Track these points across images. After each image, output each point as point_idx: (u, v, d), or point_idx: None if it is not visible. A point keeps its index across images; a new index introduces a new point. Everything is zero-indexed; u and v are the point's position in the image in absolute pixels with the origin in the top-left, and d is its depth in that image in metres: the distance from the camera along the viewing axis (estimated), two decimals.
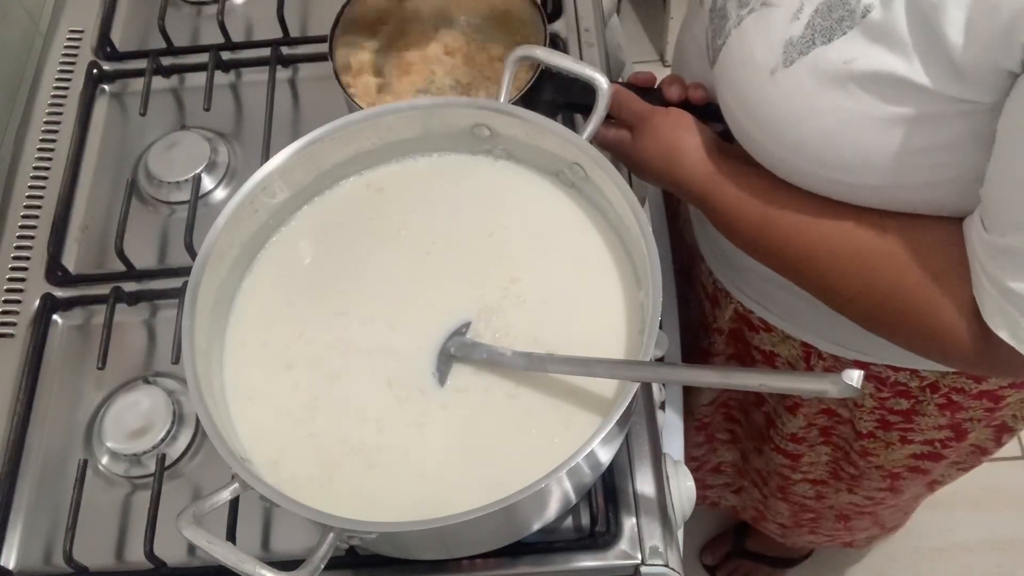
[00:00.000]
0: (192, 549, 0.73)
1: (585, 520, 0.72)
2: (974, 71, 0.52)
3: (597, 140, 0.66)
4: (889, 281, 0.62)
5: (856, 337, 0.68)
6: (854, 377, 0.47)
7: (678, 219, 1.04)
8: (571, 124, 0.87)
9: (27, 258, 0.87)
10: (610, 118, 0.75)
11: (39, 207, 0.90)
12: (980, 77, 0.53)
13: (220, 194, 0.90)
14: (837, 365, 0.86)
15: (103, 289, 0.83)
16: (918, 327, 0.62)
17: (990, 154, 0.55)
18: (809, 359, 0.89)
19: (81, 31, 1.00)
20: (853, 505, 1.16)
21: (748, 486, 1.28)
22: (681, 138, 0.72)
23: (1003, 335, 0.56)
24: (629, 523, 0.71)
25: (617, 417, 0.55)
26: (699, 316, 1.03)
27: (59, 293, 0.85)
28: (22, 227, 0.89)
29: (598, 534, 0.71)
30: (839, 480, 1.10)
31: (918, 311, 0.61)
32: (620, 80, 0.83)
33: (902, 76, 0.55)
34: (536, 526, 0.64)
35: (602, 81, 0.68)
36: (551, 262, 0.69)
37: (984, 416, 0.89)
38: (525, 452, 0.62)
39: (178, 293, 0.83)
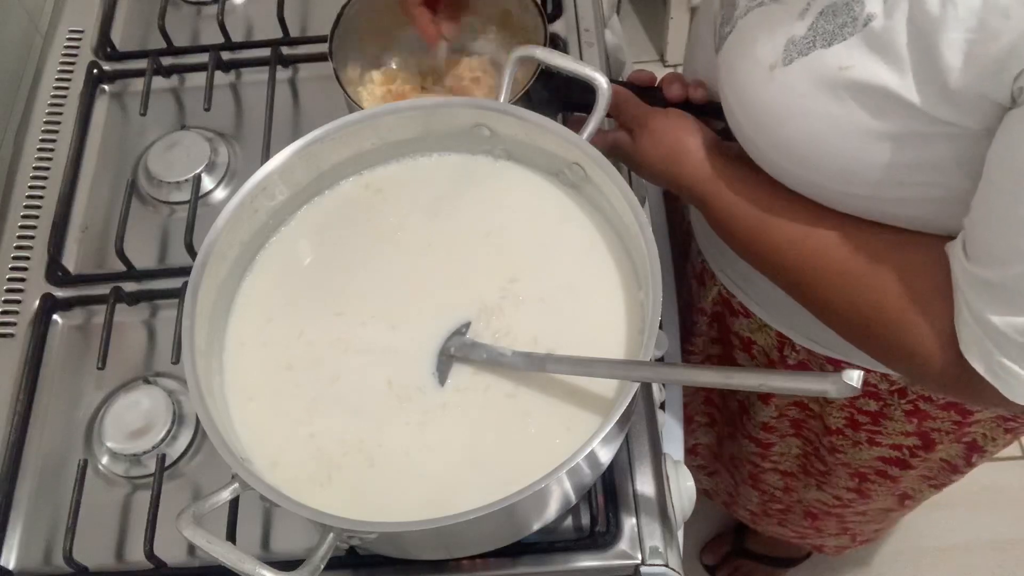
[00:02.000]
0: (192, 549, 0.73)
1: (585, 520, 0.72)
2: (964, 96, 0.52)
3: (596, 145, 0.67)
4: (872, 300, 0.62)
5: (830, 335, 0.69)
6: (854, 377, 0.47)
7: (679, 199, 1.04)
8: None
9: (27, 258, 0.87)
10: (608, 118, 0.75)
11: (39, 207, 0.90)
12: (969, 103, 0.53)
13: (220, 194, 0.90)
14: (810, 358, 0.87)
15: (103, 289, 0.83)
16: (896, 347, 0.62)
17: (974, 179, 0.55)
18: (783, 349, 0.89)
19: (81, 31, 1.00)
20: (821, 503, 1.16)
21: (721, 471, 1.28)
22: (681, 139, 0.72)
23: (977, 366, 0.56)
24: (629, 523, 0.71)
25: (617, 417, 0.55)
26: (688, 297, 1.03)
27: (59, 293, 0.85)
28: (22, 227, 0.89)
29: (598, 534, 0.71)
30: (808, 475, 1.10)
31: (897, 331, 0.61)
32: (620, 80, 0.83)
33: (893, 91, 0.55)
34: (536, 526, 0.64)
35: (602, 81, 0.68)
36: (551, 262, 0.69)
37: (953, 429, 0.89)
38: (525, 452, 0.62)
39: (178, 293, 0.83)
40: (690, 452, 1.29)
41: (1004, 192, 0.52)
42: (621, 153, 0.77)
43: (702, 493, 1.40)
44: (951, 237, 0.59)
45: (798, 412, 0.99)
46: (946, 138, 0.55)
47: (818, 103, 0.59)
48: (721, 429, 1.19)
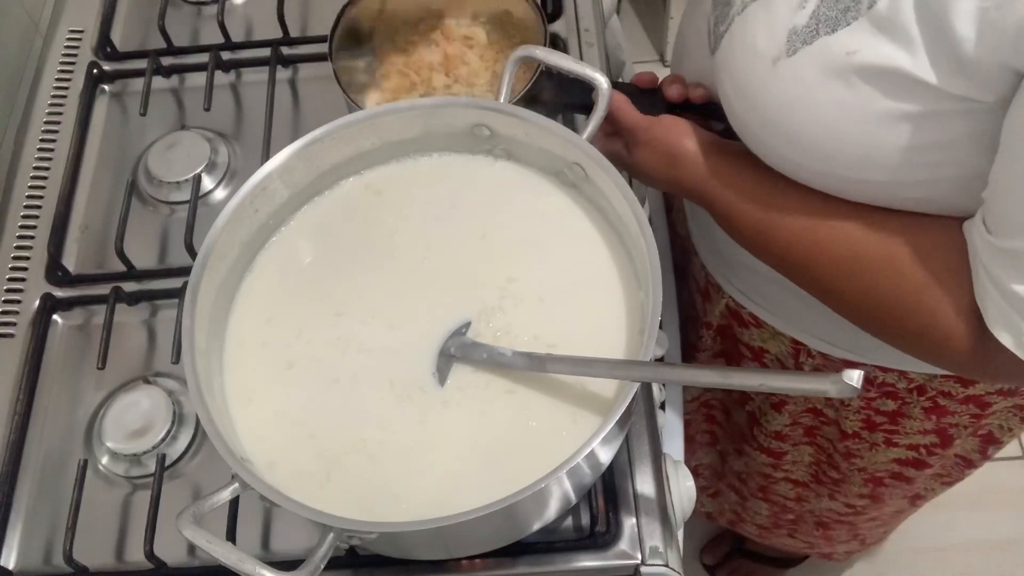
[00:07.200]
0: (192, 549, 0.73)
1: (585, 520, 0.72)
2: (980, 68, 0.51)
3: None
4: (888, 285, 0.62)
5: (845, 335, 0.68)
6: (854, 377, 0.47)
7: (671, 211, 1.04)
8: (571, 124, 0.87)
9: (27, 258, 0.87)
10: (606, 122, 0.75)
11: (39, 207, 0.90)
12: (985, 75, 0.52)
13: (220, 194, 0.90)
14: (827, 363, 0.86)
15: (103, 289, 0.83)
16: (916, 331, 0.62)
17: (990, 155, 0.54)
18: (798, 356, 0.89)
19: (81, 31, 1.00)
20: (833, 512, 1.15)
21: (725, 489, 1.27)
22: (678, 143, 0.72)
23: (1005, 340, 0.55)
24: (629, 523, 0.71)
25: (617, 417, 0.55)
26: (690, 311, 1.03)
27: (59, 293, 0.85)
28: (22, 227, 0.89)
29: (598, 534, 0.71)
30: (820, 484, 1.09)
31: (916, 315, 0.61)
32: (620, 80, 0.83)
33: (905, 70, 0.54)
34: (536, 526, 0.64)
35: (602, 81, 0.68)
36: (551, 262, 0.69)
37: (970, 423, 0.88)
38: (525, 452, 0.62)
39: (178, 293, 0.83)
40: (691, 473, 1.28)
41: (1022, 158, 0.51)
42: (618, 165, 0.77)
43: (705, 516, 1.39)
44: (966, 218, 0.59)
45: (812, 419, 0.98)
46: (961, 115, 0.54)
47: (827, 91, 0.58)
48: (724, 446, 1.17)
